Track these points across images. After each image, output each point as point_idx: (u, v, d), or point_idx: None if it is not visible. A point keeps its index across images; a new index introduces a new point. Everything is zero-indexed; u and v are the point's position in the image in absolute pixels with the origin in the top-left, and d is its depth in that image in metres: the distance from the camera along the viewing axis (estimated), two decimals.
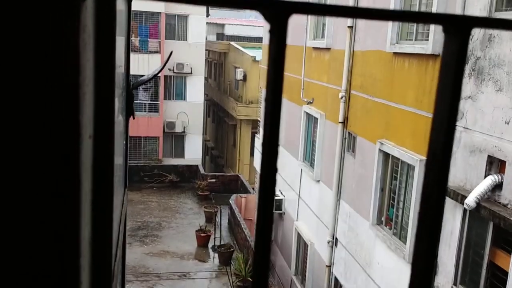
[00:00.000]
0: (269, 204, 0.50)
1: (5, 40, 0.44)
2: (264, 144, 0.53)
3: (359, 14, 0.51)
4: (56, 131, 0.46)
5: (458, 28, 0.54)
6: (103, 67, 0.69)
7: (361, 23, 10.09)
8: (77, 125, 0.47)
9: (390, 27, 8.74)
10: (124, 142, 1.62)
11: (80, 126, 0.47)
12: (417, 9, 8.25)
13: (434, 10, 7.47)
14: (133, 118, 1.75)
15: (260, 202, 0.52)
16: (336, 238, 11.18)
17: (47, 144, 0.46)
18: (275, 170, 0.52)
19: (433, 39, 7.43)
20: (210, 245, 18.21)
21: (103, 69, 0.66)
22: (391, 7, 8.67)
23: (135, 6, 26.86)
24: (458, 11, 6.87)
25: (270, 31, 0.50)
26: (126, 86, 1.59)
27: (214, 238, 18.06)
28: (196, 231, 18.39)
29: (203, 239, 18.16)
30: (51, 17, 0.44)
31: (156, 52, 26.06)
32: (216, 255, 17.33)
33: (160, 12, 25.87)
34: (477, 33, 6.49)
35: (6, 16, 0.45)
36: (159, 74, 25.88)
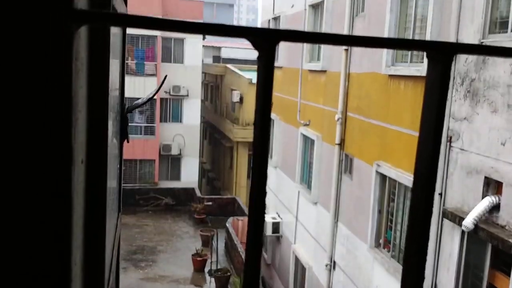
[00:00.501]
0: (259, 231, 0.50)
1: None
2: (254, 169, 0.54)
3: (343, 41, 0.53)
4: (48, 156, 0.47)
5: (440, 55, 0.56)
6: (97, 92, 0.70)
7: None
8: (69, 151, 0.47)
9: (385, 49, 8.85)
10: (118, 165, 1.62)
11: (72, 151, 0.48)
12: (411, 33, 8.37)
13: (428, 33, 7.57)
14: (127, 141, 1.76)
15: (250, 229, 0.52)
16: (334, 261, 11.09)
17: (39, 169, 0.47)
18: (264, 192, 0.52)
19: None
20: (206, 269, 18.00)
21: (97, 95, 0.67)
22: (386, 30, 8.79)
23: (131, 30, 27.17)
24: (452, 34, 6.97)
25: (258, 58, 0.51)
26: (120, 110, 1.61)
27: (211, 262, 17.87)
28: (192, 255, 18.21)
29: (199, 264, 17.97)
30: (44, 45, 0.45)
31: (153, 75, 26.20)
32: (213, 279, 17.12)
33: (157, 36, 26.10)
34: (471, 55, 6.58)
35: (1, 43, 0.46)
36: (155, 97, 25.97)
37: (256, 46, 0.52)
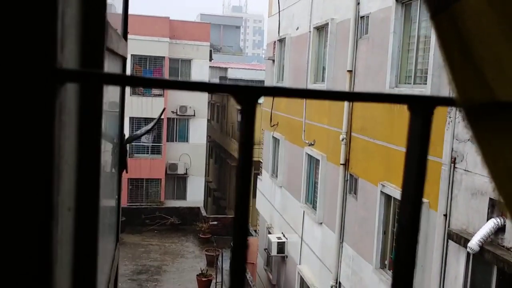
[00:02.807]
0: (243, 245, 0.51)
1: None
2: (234, 223, 0.55)
3: (323, 96, 0.54)
4: (28, 205, 0.48)
5: (421, 107, 0.57)
6: (88, 139, 0.71)
7: (361, 67, 10.25)
8: (50, 201, 0.48)
9: (388, 70, 8.88)
10: (117, 197, 1.64)
11: (52, 201, 0.49)
12: (414, 54, 8.41)
13: (431, 54, 7.60)
14: (126, 172, 1.77)
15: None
16: (340, 282, 10.97)
17: (19, 219, 0.48)
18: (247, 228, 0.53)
19: (431, 83, 7.53)
20: None
21: (87, 145, 0.68)
22: (389, 51, 8.83)
23: (139, 51, 27.19)
24: None
25: (240, 112, 0.53)
26: (119, 141, 1.62)
27: (216, 282, 17.73)
28: (197, 275, 18.08)
29: (204, 284, 17.83)
30: (25, 104, 0.47)
31: (160, 95, 26.40)
32: None
33: (164, 57, 26.36)
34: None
35: None
36: (162, 117, 26.12)
37: (238, 101, 0.54)
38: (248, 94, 0.52)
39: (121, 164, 1.64)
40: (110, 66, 1.22)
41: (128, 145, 1.79)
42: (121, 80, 0.48)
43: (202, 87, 0.53)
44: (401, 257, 0.53)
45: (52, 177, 0.48)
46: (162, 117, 26.10)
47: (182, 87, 0.51)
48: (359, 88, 10.28)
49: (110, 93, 1.39)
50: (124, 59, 1.62)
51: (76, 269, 0.65)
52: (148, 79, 0.48)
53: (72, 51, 0.64)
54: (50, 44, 0.49)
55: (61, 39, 0.53)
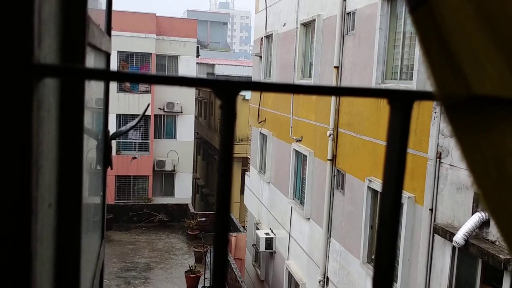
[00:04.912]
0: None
1: None
2: (216, 216, 0.55)
3: (304, 91, 0.54)
4: (6, 201, 0.47)
5: (401, 102, 0.57)
6: (70, 133, 0.70)
7: (347, 63, 10.29)
8: (28, 197, 0.48)
9: (375, 66, 8.93)
10: (102, 193, 1.62)
11: (31, 197, 0.48)
12: (400, 50, 8.46)
13: (416, 51, 7.66)
14: (111, 168, 1.76)
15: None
16: (327, 277, 11.04)
17: None
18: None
19: (417, 78, 7.59)
20: (200, 286, 17.85)
21: (69, 141, 0.68)
22: (375, 48, 8.87)
23: (126, 47, 27.04)
24: None
25: (221, 107, 0.53)
26: (104, 137, 1.61)
27: (204, 279, 17.73)
28: (185, 272, 18.06)
29: (192, 280, 17.82)
30: (0, 95, 0.46)
31: (147, 92, 26.25)
32: None
33: (151, 53, 26.21)
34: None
35: None
36: (149, 113, 25.99)
37: (218, 96, 0.54)
38: (228, 88, 0.52)
39: (106, 161, 1.63)
40: (92, 62, 1.21)
41: (114, 141, 1.78)
42: (99, 74, 0.48)
43: (182, 82, 0.53)
44: (381, 248, 0.53)
45: (30, 172, 0.48)
46: (150, 113, 25.99)
47: (162, 81, 0.51)
48: (346, 84, 10.32)
49: (94, 88, 1.38)
50: (108, 55, 1.60)
51: (58, 265, 0.65)
52: (128, 73, 0.48)
53: (52, 46, 0.64)
54: (26, 39, 0.48)
55: (39, 33, 0.52)
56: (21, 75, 0.46)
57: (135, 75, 0.49)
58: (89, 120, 1.20)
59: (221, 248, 0.49)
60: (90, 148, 1.20)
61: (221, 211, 0.52)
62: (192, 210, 25.36)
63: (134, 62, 26.41)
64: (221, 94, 0.53)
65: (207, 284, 17.50)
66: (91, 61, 1.15)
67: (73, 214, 0.69)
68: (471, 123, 0.52)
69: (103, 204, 1.67)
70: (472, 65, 0.49)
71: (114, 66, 24.63)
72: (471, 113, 0.52)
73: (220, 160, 0.54)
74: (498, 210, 0.52)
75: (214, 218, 0.52)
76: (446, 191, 6.92)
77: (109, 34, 1.66)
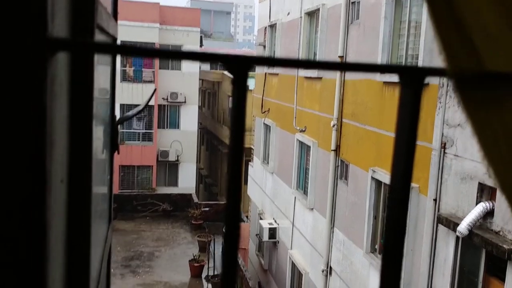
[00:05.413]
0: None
1: None
2: (228, 189, 0.55)
3: (314, 66, 0.54)
4: (21, 176, 0.48)
5: (412, 78, 0.57)
6: (80, 113, 0.71)
7: (352, 52, 10.25)
8: (43, 171, 0.48)
9: (379, 55, 8.89)
10: (109, 176, 1.63)
11: (45, 172, 0.49)
12: (405, 39, 8.42)
13: (422, 40, 7.61)
14: (118, 153, 1.77)
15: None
16: (331, 267, 11.09)
17: (10, 192, 0.48)
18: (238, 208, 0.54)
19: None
20: (203, 275, 17.97)
21: (80, 115, 0.68)
22: (380, 37, 8.83)
23: (129, 37, 26.97)
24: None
25: (232, 82, 0.53)
26: (111, 121, 1.62)
27: (208, 268, 17.84)
28: (189, 261, 18.18)
29: (196, 269, 17.93)
30: (17, 73, 0.47)
31: (150, 81, 26.24)
32: (210, 285, 17.09)
33: (154, 43, 26.16)
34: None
35: None
36: (153, 104, 26.00)
37: (230, 71, 0.54)
38: (240, 63, 0.52)
39: (113, 145, 1.63)
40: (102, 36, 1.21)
41: (119, 129, 1.79)
42: (111, 49, 0.48)
43: (192, 56, 0.53)
44: (391, 224, 0.54)
45: (45, 146, 0.48)
46: (153, 103, 25.99)
47: (173, 56, 0.51)
48: (350, 74, 10.28)
49: (100, 77, 1.38)
50: (114, 39, 1.60)
51: (69, 241, 0.65)
52: (138, 48, 0.48)
53: (63, 24, 0.64)
54: (41, 14, 0.49)
55: (52, 10, 0.53)
56: (37, 48, 0.46)
57: (143, 49, 0.49)
58: (96, 105, 1.21)
59: (232, 233, 0.49)
60: (97, 130, 1.20)
61: (232, 191, 0.52)
62: (196, 200, 25.45)
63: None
64: (233, 69, 0.53)
65: (211, 272, 17.60)
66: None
67: (84, 190, 0.70)
68: (482, 99, 0.53)
69: (110, 189, 1.68)
70: (484, 40, 0.49)
71: (117, 55, 24.58)
72: (482, 89, 0.52)
73: (232, 134, 0.54)
74: (508, 185, 0.52)
75: (226, 192, 0.53)
76: (451, 181, 6.91)
77: (115, 19, 1.67)
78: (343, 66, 0.58)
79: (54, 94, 0.54)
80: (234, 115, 0.54)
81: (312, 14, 12.52)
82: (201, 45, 28.26)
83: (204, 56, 0.54)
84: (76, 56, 0.66)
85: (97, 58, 1.01)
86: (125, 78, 25.76)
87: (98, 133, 1.28)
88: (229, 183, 0.54)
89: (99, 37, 1.01)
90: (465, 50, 0.51)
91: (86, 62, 0.70)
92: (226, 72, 32.10)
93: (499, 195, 6.02)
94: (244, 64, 0.53)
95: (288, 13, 14.22)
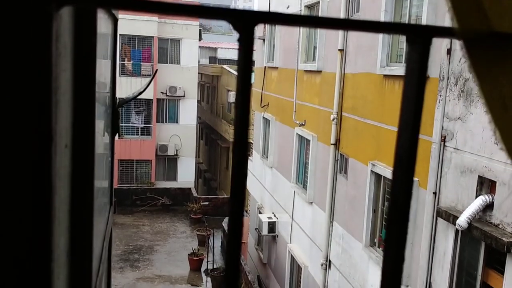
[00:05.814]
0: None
1: None
2: (234, 152, 0.55)
3: (321, 24, 0.53)
4: (26, 136, 0.47)
5: (419, 37, 0.56)
6: (83, 77, 0.70)
7: (352, 46, 10.23)
8: (49, 132, 0.48)
9: (380, 49, 8.87)
10: (110, 158, 1.63)
11: (51, 132, 0.48)
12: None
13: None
14: (119, 136, 1.76)
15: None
16: (330, 261, 11.11)
17: (16, 149, 0.47)
18: (245, 173, 0.53)
19: None
20: (203, 268, 18.01)
21: (83, 79, 0.68)
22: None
23: (128, 31, 26.88)
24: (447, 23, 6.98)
25: (238, 40, 0.52)
26: (112, 104, 1.61)
27: (207, 261, 17.87)
28: (188, 254, 18.21)
29: (196, 263, 17.97)
30: (21, 26, 0.46)
31: (149, 75, 26.18)
32: (209, 279, 17.13)
33: (153, 36, 26.09)
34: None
35: None
36: (152, 97, 25.97)
37: (235, 27, 0.53)
38: (246, 19, 0.51)
39: (114, 127, 1.63)
40: (102, 24, 1.20)
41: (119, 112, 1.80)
42: (113, 2, 0.47)
43: (196, 12, 0.52)
44: (392, 231, 0.53)
45: (50, 104, 0.48)
46: (152, 97, 25.96)
47: (176, 11, 0.50)
48: (350, 67, 10.27)
49: (102, 67, 1.38)
50: (115, 20, 1.59)
51: (73, 204, 0.65)
52: (142, 1, 0.48)
53: None
54: None
55: None
56: (41, 2, 0.46)
57: (146, 2, 0.48)
58: (98, 87, 1.20)
59: (236, 223, 0.49)
60: (99, 111, 1.20)
61: (238, 156, 0.51)
62: (195, 194, 25.47)
63: (136, 46, 26.30)
64: (239, 26, 0.52)
65: (210, 266, 17.64)
66: (100, 23, 1.15)
67: (87, 155, 0.70)
68: (490, 59, 0.52)
69: (111, 170, 1.68)
70: (492, 1, 0.49)
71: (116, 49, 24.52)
72: (490, 49, 0.52)
73: (237, 94, 0.53)
74: None
75: (233, 156, 0.52)
76: (450, 175, 6.91)
77: None
78: (348, 23, 0.57)
79: (59, 54, 0.53)
80: (240, 74, 0.53)
81: (312, 7, 12.49)
82: (200, 39, 28.19)
83: (208, 11, 0.52)
84: (81, 16, 0.65)
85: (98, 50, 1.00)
86: (123, 72, 25.72)
87: (100, 115, 1.27)
88: (234, 157, 0.53)
89: (101, 17, 1.00)
90: (474, 10, 0.51)
91: (89, 17, 0.70)
92: (225, 66, 31.92)
93: (498, 188, 6.03)
94: (250, 20, 0.52)
95: (288, 6, 14.18)
